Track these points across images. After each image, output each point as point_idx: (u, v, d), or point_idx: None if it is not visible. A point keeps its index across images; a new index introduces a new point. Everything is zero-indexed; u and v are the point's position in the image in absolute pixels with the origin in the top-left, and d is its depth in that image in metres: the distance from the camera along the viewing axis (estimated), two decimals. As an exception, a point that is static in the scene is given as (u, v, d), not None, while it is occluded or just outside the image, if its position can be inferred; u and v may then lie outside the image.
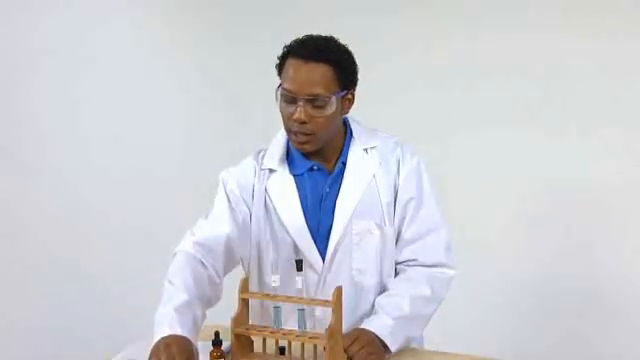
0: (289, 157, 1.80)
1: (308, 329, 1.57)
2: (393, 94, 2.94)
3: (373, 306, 1.72)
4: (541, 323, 2.82)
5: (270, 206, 1.77)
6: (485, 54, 2.85)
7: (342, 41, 1.74)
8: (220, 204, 1.78)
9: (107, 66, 2.99)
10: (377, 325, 1.63)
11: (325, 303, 1.51)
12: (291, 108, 1.67)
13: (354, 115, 1.84)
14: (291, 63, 1.68)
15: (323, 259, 1.74)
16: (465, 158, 2.88)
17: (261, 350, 1.56)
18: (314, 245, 1.74)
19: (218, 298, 1.71)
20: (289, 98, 1.67)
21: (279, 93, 1.70)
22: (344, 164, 1.77)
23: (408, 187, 1.76)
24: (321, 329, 1.56)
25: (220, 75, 3.20)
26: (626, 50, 2.64)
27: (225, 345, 1.54)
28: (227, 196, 1.78)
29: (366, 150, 1.78)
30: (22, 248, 2.83)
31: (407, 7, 2.97)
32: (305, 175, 1.77)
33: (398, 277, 1.77)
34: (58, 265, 2.87)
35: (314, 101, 1.65)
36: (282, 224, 1.75)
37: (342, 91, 1.70)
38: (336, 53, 1.69)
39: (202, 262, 1.68)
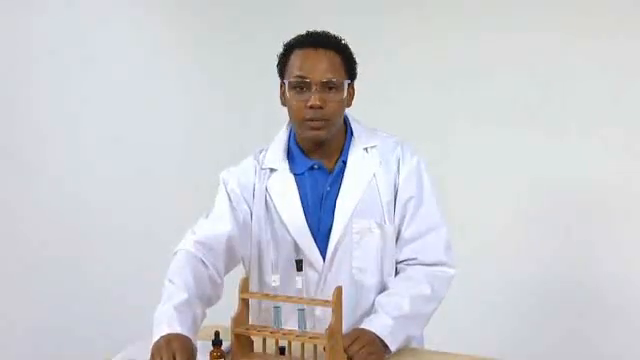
0: (290, 156, 1.80)
1: (308, 328, 1.57)
2: (393, 94, 2.94)
3: (373, 305, 1.72)
4: (541, 323, 2.82)
5: (271, 205, 1.78)
6: (485, 54, 2.85)
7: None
8: (221, 203, 1.78)
9: (107, 66, 2.99)
10: (377, 325, 1.63)
11: (325, 303, 1.51)
12: (304, 96, 1.69)
13: (354, 115, 1.84)
14: (299, 54, 1.71)
15: (323, 258, 1.74)
16: (465, 158, 2.88)
17: (261, 350, 1.56)
18: (314, 244, 1.74)
19: (218, 297, 1.72)
20: (303, 85, 1.69)
21: (288, 84, 1.71)
22: (344, 163, 1.77)
23: (408, 186, 1.77)
24: (321, 329, 1.56)
25: (220, 75, 3.20)
26: (626, 50, 2.64)
27: (225, 345, 1.54)
28: (228, 195, 1.78)
29: (366, 149, 1.78)
30: (22, 248, 2.83)
31: (407, 7, 2.97)
32: (306, 174, 1.77)
33: (398, 276, 1.77)
34: (58, 265, 2.87)
35: (328, 86, 1.68)
36: (282, 223, 1.76)
37: (348, 79, 1.73)
38: (339, 43, 1.74)
39: (203, 261, 1.68)
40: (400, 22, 2.98)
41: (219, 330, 1.52)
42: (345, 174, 1.76)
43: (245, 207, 1.78)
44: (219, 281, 1.71)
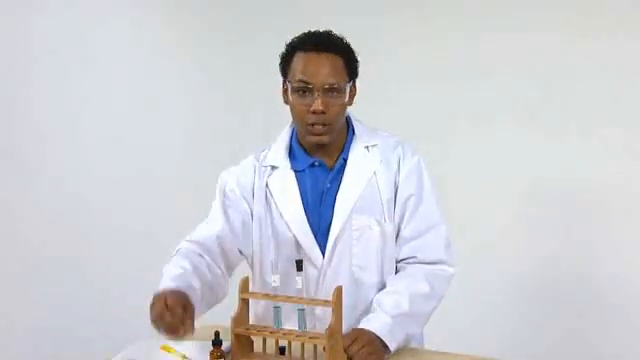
0: (291, 154, 1.81)
1: (308, 327, 1.57)
2: (393, 94, 2.94)
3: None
4: (541, 323, 2.82)
5: (271, 201, 1.78)
6: (485, 54, 2.85)
7: (342, 40, 1.77)
8: (215, 206, 1.81)
9: (107, 66, 2.99)
10: (376, 324, 1.63)
11: (325, 303, 1.52)
12: (306, 101, 1.70)
13: (355, 114, 1.84)
14: (302, 56, 1.71)
15: (323, 254, 1.75)
16: (465, 158, 2.88)
17: (261, 350, 1.56)
18: (314, 240, 1.75)
19: (222, 288, 1.73)
20: (306, 90, 1.69)
21: (291, 87, 1.71)
22: (345, 161, 1.78)
23: (408, 184, 1.77)
24: (321, 328, 1.56)
25: (220, 75, 3.20)
26: (626, 50, 2.64)
27: (225, 345, 1.54)
28: (223, 196, 1.80)
29: (367, 148, 1.79)
30: (22, 248, 2.82)
31: (407, 7, 2.97)
32: (306, 171, 1.78)
33: (397, 274, 1.78)
34: (58, 265, 2.87)
35: (331, 91, 1.69)
36: (283, 219, 1.76)
37: (349, 81, 1.73)
38: (342, 44, 1.74)
39: (200, 254, 1.71)
40: (400, 22, 2.98)
41: (219, 330, 1.52)
42: (345, 171, 1.77)
43: (245, 207, 1.79)
44: (219, 272, 1.73)
